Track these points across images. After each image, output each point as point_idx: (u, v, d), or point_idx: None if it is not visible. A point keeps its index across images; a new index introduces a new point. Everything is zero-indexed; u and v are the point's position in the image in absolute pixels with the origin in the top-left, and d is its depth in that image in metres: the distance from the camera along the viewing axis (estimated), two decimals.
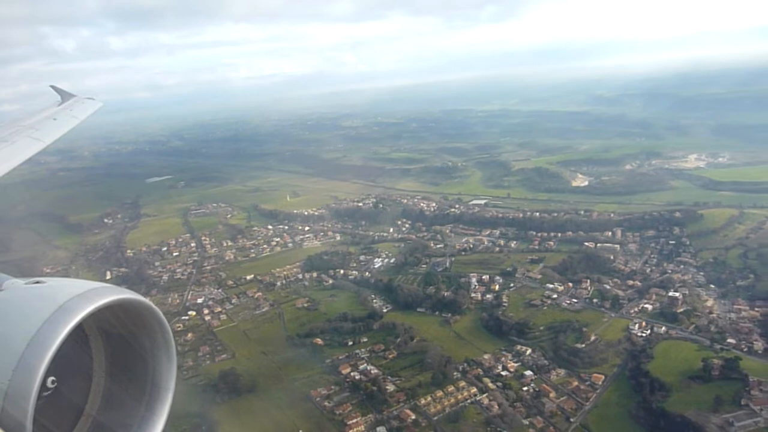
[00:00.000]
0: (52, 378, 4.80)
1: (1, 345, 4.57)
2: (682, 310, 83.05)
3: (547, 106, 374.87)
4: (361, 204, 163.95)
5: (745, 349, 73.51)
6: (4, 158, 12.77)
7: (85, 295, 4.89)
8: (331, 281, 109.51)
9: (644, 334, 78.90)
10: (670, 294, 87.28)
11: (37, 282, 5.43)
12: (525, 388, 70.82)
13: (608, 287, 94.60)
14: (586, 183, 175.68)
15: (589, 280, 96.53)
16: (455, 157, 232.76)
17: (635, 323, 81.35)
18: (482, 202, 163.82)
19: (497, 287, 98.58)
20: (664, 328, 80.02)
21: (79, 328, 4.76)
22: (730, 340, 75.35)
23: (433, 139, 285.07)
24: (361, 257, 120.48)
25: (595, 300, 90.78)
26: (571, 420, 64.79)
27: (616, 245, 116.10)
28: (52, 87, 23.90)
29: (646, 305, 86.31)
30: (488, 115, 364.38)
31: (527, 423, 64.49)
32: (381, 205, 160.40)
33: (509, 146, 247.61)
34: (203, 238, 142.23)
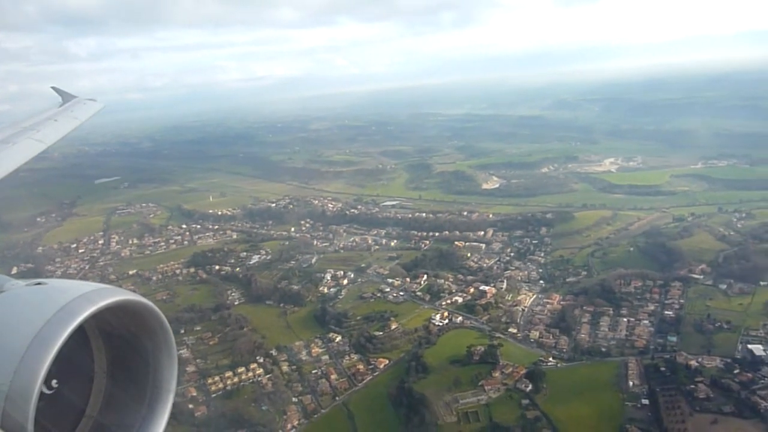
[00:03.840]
0: (54, 380, 4.78)
1: (2, 346, 4.51)
2: (484, 302, 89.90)
3: (509, 110, 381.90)
4: (274, 204, 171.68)
5: (521, 337, 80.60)
6: (4, 159, 12.69)
7: (86, 297, 4.86)
8: (204, 276, 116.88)
9: (442, 324, 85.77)
10: (481, 288, 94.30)
11: (39, 283, 5.37)
12: (314, 371, 77.99)
13: (441, 282, 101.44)
14: (497, 185, 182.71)
15: (426, 275, 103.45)
16: (393, 159, 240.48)
17: (438, 314, 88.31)
18: (394, 203, 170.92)
19: (345, 282, 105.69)
20: (461, 318, 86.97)
21: (80, 329, 4.72)
22: (511, 330, 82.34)
23: (382, 142, 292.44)
24: (243, 254, 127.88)
25: (419, 293, 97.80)
26: (337, 398, 72.03)
27: (482, 244, 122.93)
28: (53, 88, 23.97)
29: (458, 298, 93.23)
30: (449, 119, 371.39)
31: (296, 400, 71.77)
32: (291, 206, 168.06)
33: (448, 149, 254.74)
34: (112, 236, 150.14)
